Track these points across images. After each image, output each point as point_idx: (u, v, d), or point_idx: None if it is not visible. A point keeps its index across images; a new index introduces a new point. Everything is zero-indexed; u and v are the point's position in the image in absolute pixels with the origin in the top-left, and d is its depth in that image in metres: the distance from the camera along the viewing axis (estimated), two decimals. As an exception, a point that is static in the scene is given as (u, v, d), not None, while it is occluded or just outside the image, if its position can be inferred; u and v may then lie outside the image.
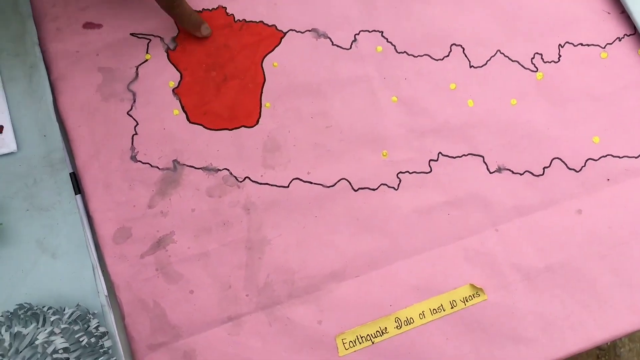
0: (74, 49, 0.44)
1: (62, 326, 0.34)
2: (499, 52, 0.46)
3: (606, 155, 0.44)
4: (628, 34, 0.47)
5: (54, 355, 0.33)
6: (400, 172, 0.44)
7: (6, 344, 0.34)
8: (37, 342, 0.33)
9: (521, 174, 0.44)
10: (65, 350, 0.33)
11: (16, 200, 0.41)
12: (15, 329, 0.34)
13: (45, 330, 0.33)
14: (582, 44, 0.46)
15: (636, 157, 0.44)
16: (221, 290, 0.41)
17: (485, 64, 0.46)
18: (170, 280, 0.41)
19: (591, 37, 0.47)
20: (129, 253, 0.41)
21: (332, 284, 0.42)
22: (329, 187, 0.43)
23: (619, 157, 0.44)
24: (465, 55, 0.46)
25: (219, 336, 0.40)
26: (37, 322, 0.35)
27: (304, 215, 0.43)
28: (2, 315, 0.37)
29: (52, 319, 0.35)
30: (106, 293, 0.40)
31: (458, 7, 0.47)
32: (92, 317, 0.38)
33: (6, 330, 0.35)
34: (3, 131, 0.42)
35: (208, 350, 0.40)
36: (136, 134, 0.43)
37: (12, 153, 0.42)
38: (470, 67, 0.46)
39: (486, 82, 0.46)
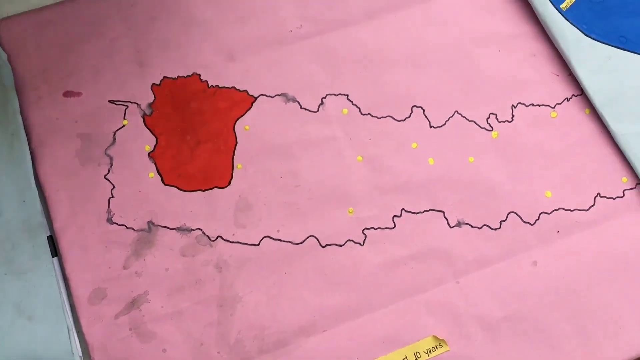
0: (54, 117, 0.47)
1: (37, 391, 0.36)
2: (456, 112, 0.49)
3: (558, 209, 0.47)
4: (576, 95, 0.50)
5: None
6: (366, 228, 0.46)
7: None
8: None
9: (480, 228, 0.47)
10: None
11: (-6, 265, 0.42)
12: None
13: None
14: (533, 104, 0.50)
15: (586, 210, 0.47)
16: (193, 348, 0.42)
17: (444, 124, 0.49)
18: (143, 339, 0.42)
19: (542, 98, 0.50)
20: (103, 314, 0.43)
21: (301, 339, 0.43)
22: (298, 244, 0.45)
23: (570, 210, 0.47)
24: (426, 116, 0.49)
25: (191, 393, 0.41)
26: (13, 387, 0.36)
27: (274, 272, 0.45)
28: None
29: (27, 384, 0.36)
30: (81, 354, 0.41)
31: (418, 71, 0.50)
32: (65, 380, 0.39)
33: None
34: (-17, 198, 0.43)
35: (180, 409, 0.41)
36: (112, 197, 0.45)
37: (-11, 218, 0.43)
38: (430, 127, 0.49)
39: (445, 141, 0.49)
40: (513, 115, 0.50)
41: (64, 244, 0.44)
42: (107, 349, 0.42)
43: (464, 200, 0.47)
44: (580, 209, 0.47)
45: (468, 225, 0.47)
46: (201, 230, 0.45)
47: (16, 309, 0.41)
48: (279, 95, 0.49)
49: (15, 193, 0.44)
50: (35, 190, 0.44)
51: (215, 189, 0.46)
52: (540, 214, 0.47)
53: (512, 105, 0.50)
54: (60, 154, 0.46)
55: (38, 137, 0.46)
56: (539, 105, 0.50)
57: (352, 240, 0.46)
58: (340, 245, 0.46)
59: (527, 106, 0.50)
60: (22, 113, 0.47)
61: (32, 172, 0.45)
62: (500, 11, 0.52)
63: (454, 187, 0.47)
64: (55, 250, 0.44)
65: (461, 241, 0.46)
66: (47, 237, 0.44)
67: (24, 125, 0.46)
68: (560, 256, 0.46)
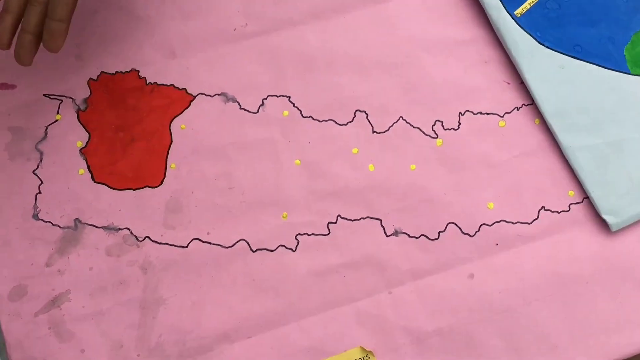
0: (-16, 109, 0.46)
1: None
2: (401, 118, 0.48)
3: (499, 221, 0.46)
4: (526, 104, 0.49)
5: None
6: (299, 234, 0.45)
7: None
8: None
9: (417, 238, 0.45)
10: None
11: None
12: None
13: None
14: (481, 113, 0.49)
15: (529, 224, 0.46)
16: (112, 349, 0.42)
17: (388, 129, 0.48)
18: (62, 339, 0.42)
19: (491, 107, 0.49)
20: (23, 311, 0.42)
21: (224, 345, 0.42)
22: (227, 247, 0.44)
23: (512, 222, 0.46)
24: (369, 121, 0.48)
25: (106, 397, 0.41)
26: None
27: (201, 276, 0.44)
28: None
29: None
30: (-6, 352, 0.41)
31: (363, 75, 0.49)
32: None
33: None
34: None
35: (91, 412, 0.40)
36: (40, 192, 0.45)
37: None
38: (373, 132, 0.48)
39: (387, 148, 0.47)
40: (460, 123, 0.48)
41: (-14, 239, 0.43)
42: (25, 347, 0.41)
43: (402, 208, 0.46)
44: (523, 221, 0.46)
45: (405, 235, 0.45)
46: (129, 229, 0.44)
47: None
48: (218, 94, 0.48)
49: (-58, 185, 0.44)
50: (-39, 183, 0.44)
51: (146, 188, 0.45)
52: (480, 226, 0.46)
53: (460, 113, 0.48)
54: (-10, 147, 0.45)
55: (-32, 129, 0.46)
56: (487, 114, 0.49)
57: (284, 246, 0.45)
58: (272, 250, 0.45)
59: (474, 114, 0.48)
60: (-48, 105, 0.46)
61: (-42, 165, 0.44)
62: (452, 16, 0.51)
63: (394, 194, 0.46)
64: (-24, 246, 0.43)
65: (397, 251, 0.45)
66: (-29, 231, 0.43)
67: (-46, 117, 0.46)
68: (498, 270, 0.45)
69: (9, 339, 0.41)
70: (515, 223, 0.46)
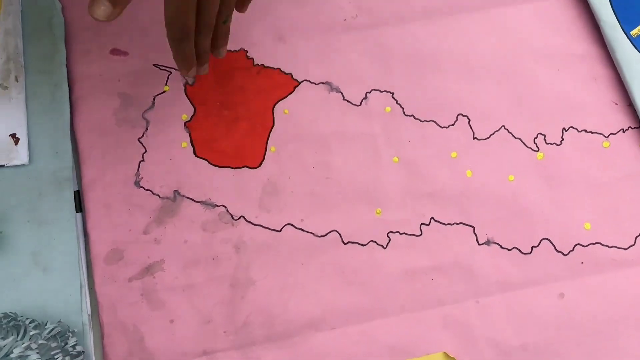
0: (98, 73, 0.47)
1: (40, 342, 0.36)
2: (503, 127, 0.47)
3: (595, 243, 0.45)
4: (633, 127, 0.48)
5: (28, 369, 0.34)
6: (391, 232, 0.45)
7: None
8: (12, 356, 0.34)
9: (509, 250, 0.45)
10: (40, 365, 0.34)
11: (19, 211, 0.42)
12: (-4, 339, 0.36)
13: (23, 344, 0.35)
14: (586, 131, 0.47)
15: (625, 249, 0.45)
16: (201, 323, 0.42)
17: (489, 137, 0.47)
18: (153, 307, 0.42)
19: (596, 125, 0.48)
20: (118, 275, 0.43)
21: (309, 333, 0.42)
22: (319, 236, 0.44)
23: (607, 246, 0.45)
24: (470, 127, 0.47)
25: (191, 369, 0.41)
26: (17, 334, 0.36)
27: (292, 261, 0.44)
28: (-18, 324, 0.38)
29: (31, 333, 0.36)
30: (89, 312, 0.42)
31: (470, 80, 0.48)
32: (71, 335, 0.39)
33: (-13, 339, 0.36)
34: (18, 143, 0.44)
35: (178, 382, 0.41)
36: (143, 160, 0.45)
37: (23, 165, 0.44)
38: (474, 138, 0.47)
39: (487, 155, 0.47)
40: (562, 139, 0.47)
41: (89, 201, 0.44)
42: (117, 311, 0.42)
43: (497, 218, 0.45)
44: (619, 246, 0.45)
45: (497, 245, 0.45)
46: (225, 207, 0.45)
47: (33, 259, 0.42)
48: (323, 83, 0.48)
49: (50, 144, 0.44)
50: (69, 144, 0.45)
51: (245, 168, 0.46)
52: (575, 245, 0.45)
53: (564, 129, 0.47)
54: (99, 110, 0.46)
55: (80, 91, 0.46)
56: (592, 133, 0.47)
57: (375, 242, 0.44)
58: (363, 245, 0.44)
59: (579, 131, 0.47)
60: (67, 65, 0.47)
61: (69, 126, 0.45)
62: (566, 29, 0.49)
63: (489, 203, 0.46)
64: (79, 207, 0.44)
65: (488, 260, 0.44)
66: (74, 192, 0.44)
67: (67, 78, 0.46)
68: (590, 292, 0.44)
69: (102, 301, 0.42)
70: (611, 247, 0.45)
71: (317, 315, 0.43)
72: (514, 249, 0.45)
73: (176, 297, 0.42)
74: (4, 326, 0.37)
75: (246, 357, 0.41)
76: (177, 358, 0.41)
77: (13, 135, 0.44)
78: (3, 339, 0.36)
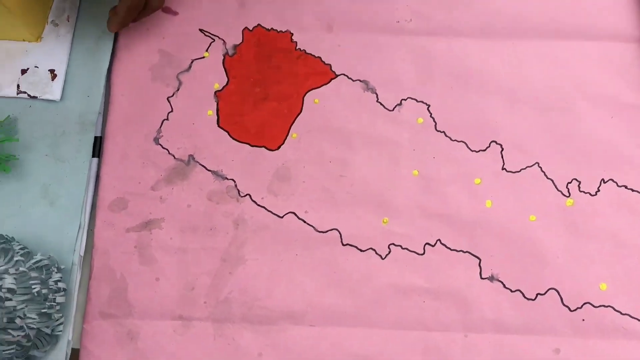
0: (145, 27, 0.48)
1: (21, 269, 0.37)
2: (537, 164, 0.45)
3: (607, 306, 0.42)
4: (679, 194, 0.44)
5: (-1, 292, 0.35)
6: (393, 244, 0.43)
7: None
8: (-12, 274, 0.35)
9: (512, 291, 0.42)
10: (10, 291, 0.35)
11: (40, 143, 0.44)
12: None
13: (2, 267, 0.36)
14: (626, 187, 0.44)
15: (639, 320, 0.41)
16: (184, 288, 0.42)
17: (519, 171, 0.45)
18: (143, 261, 0.43)
19: (638, 184, 0.44)
20: (117, 224, 0.44)
21: (287, 324, 0.42)
22: (319, 232, 0.44)
23: (620, 312, 0.41)
24: (502, 156, 0.45)
25: (164, 329, 0.41)
26: (4, 257, 0.37)
27: (287, 250, 0.43)
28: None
29: (16, 259, 0.37)
30: (82, 254, 0.43)
31: (513, 108, 0.46)
32: (56, 271, 0.40)
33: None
34: (55, 79, 0.45)
35: (150, 338, 0.41)
36: (167, 119, 0.46)
37: (54, 101, 0.45)
38: (502, 169, 0.45)
39: (512, 189, 0.44)
40: (599, 190, 0.44)
41: (108, 146, 0.45)
42: (109, 257, 0.43)
43: (507, 256, 0.43)
44: (634, 316, 0.41)
45: (501, 283, 0.42)
46: (234, 182, 0.44)
47: (43, 190, 0.43)
48: (360, 80, 0.47)
49: (84, 86, 0.46)
50: (102, 90, 0.46)
51: (263, 148, 0.45)
52: (584, 304, 0.42)
53: (602, 180, 0.44)
54: (137, 63, 0.47)
55: (124, 40, 0.48)
56: (632, 190, 0.44)
57: (374, 250, 0.43)
58: (361, 250, 0.43)
59: (618, 186, 0.44)
60: (119, 14, 0.48)
61: (105, 72, 0.46)
62: (629, 76, 0.46)
63: (502, 239, 0.43)
64: (97, 152, 0.45)
65: (487, 296, 0.42)
66: (95, 137, 0.45)
67: (116, 25, 0.48)
68: (590, 355, 0.41)
69: (98, 243, 0.43)
70: (624, 314, 0.41)
71: (299, 309, 0.42)
72: (518, 292, 0.42)
73: (167, 257, 0.43)
74: (-4, 246, 0.39)
75: (220, 331, 0.41)
76: (153, 316, 0.42)
77: (52, 71, 0.46)
78: (-11, 257, 0.37)
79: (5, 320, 0.34)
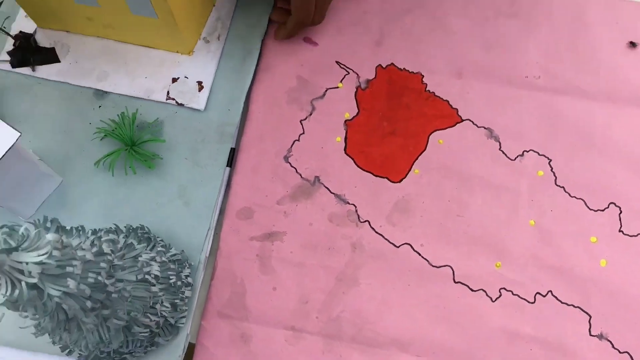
0: (287, 53, 0.51)
1: (163, 259, 0.39)
2: (654, 231, 0.45)
3: None
4: None
5: (147, 277, 0.38)
6: (504, 289, 0.44)
7: (119, 247, 0.39)
8: (140, 259, 0.37)
9: (620, 352, 0.42)
10: (156, 278, 0.37)
11: (182, 147, 0.47)
12: (130, 241, 0.40)
13: (150, 254, 0.38)
14: None
15: None
16: (299, 301, 0.44)
17: (637, 235, 0.45)
18: (263, 270, 0.45)
19: None
20: (242, 231, 0.46)
21: (394, 350, 0.43)
22: (433, 266, 0.45)
23: None
24: (620, 219, 0.46)
25: (276, 337, 0.43)
26: (148, 245, 0.40)
27: (400, 279, 0.44)
28: (125, 227, 0.42)
29: (158, 249, 0.40)
30: (207, 254, 0.45)
31: (634, 174, 0.47)
32: (187, 266, 0.42)
33: (123, 238, 0.40)
34: (201, 91, 0.49)
35: (262, 343, 0.43)
36: (298, 140, 0.49)
37: (198, 110, 0.49)
38: (619, 231, 0.45)
39: (629, 252, 0.45)
40: None
41: (241, 158, 0.48)
42: (232, 261, 0.45)
43: (619, 317, 0.43)
44: None
45: (609, 343, 0.42)
46: (355, 207, 0.46)
47: (180, 191, 0.46)
48: (485, 127, 0.49)
49: (226, 100, 0.49)
50: (242, 105, 0.49)
51: (386, 179, 0.47)
52: (696, 377, 0.41)
53: None
54: (276, 84, 0.50)
55: (266, 63, 0.51)
56: None
57: (485, 291, 0.44)
58: (472, 290, 0.44)
59: None
60: (263, 39, 0.52)
61: (246, 90, 0.50)
62: None
63: (615, 299, 0.43)
64: (230, 162, 0.48)
65: (594, 354, 0.42)
66: (231, 148, 0.48)
67: (260, 49, 0.51)
68: None
69: (223, 247, 0.45)
70: None
71: (407, 337, 0.43)
72: (626, 353, 0.42)
73: (286, 269, 0.45)
74: (139, 235, 0.41)
75: (329, 347, 0.42)
76: (268, 322, 0.43)
77: (199, 83, 0.49)
78: (138, 243, 0.40)
79: (150, 304, 0.36)
